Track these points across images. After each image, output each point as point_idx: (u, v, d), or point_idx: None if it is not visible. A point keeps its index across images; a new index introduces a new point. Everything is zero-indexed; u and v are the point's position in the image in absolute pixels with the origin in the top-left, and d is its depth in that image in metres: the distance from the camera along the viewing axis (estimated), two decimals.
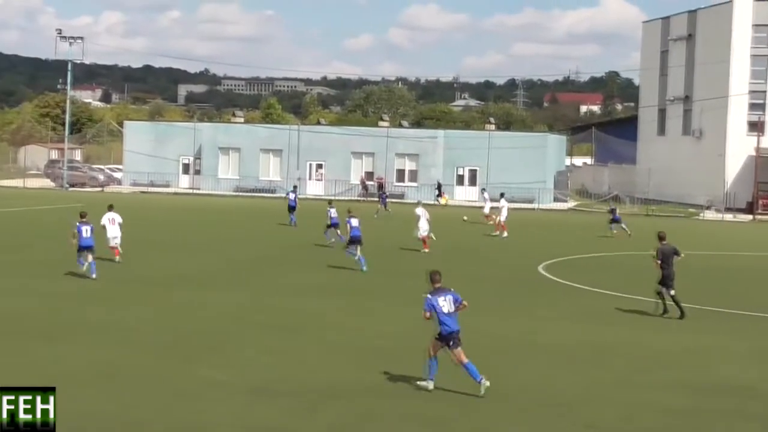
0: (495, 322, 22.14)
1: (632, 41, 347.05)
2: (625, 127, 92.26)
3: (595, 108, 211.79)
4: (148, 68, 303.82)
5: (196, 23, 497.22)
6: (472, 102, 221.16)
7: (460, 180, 75.59)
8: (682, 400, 15.91)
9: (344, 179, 75.29)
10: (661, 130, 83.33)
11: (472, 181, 74.83)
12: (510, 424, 14.24)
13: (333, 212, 38.39)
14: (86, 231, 26.63)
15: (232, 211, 57.93)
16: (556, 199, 75.18)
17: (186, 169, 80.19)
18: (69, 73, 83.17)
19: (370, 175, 75.46)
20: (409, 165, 76.19)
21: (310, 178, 76.46)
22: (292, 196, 48.50)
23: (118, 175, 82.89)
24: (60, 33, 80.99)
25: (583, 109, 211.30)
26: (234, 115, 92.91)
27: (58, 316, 21.19)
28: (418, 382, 15.65)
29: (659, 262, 23.54)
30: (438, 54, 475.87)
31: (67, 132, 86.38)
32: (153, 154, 79.29)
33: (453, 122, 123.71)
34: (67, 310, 21.95)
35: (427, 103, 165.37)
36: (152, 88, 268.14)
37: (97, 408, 14.10)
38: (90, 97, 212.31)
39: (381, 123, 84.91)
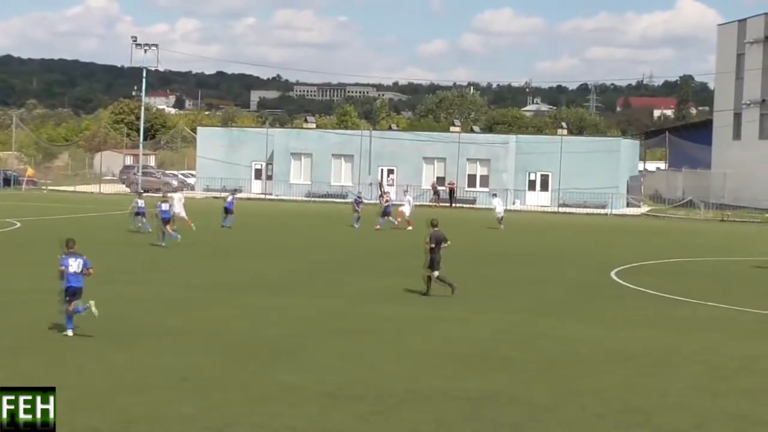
0: (569, 327, 21.94)
1: (707, 45, 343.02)
2: (700, 132, 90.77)
3: (669, 112, 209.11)
4: (220, 75, 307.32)
5: (270, 29, 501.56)
6: (544, 107, 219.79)
7: (531, 185, 75.08)
8: (760, 408, 15.56)
9: (415, 184, 75.25)
10: (737, 134, 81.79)
11: (544, 187, 74.30)
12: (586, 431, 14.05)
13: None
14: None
15: (304, 216, 58.20)
16: (629, 205, 74.30)
17: (258, 174, 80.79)
18: (143, 80, 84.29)
19: (441, 180, 75.30)
20: (480, 170, 75.88)
21: (381, 184, 76.50)
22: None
23: (191, 180, 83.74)
24: (135, 41, 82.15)
25: (657, 113, 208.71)
26: (306, 120, 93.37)
27: (138, 321, 21.35)
28: None
29: (432, 246, 25.45)
30: (510, 58, 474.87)
31: (141, 138, 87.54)
32: (225, 159, 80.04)
33: (524, 127, 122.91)
34: (147, 315, 22.12)
35: (499, 108, 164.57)
36: (225, 95, 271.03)
37: (176, 412, 14.19)
38: (164, 104, 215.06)
39: (452, 128, 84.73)
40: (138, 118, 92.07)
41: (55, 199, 69.02)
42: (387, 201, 50.24)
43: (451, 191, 72.77)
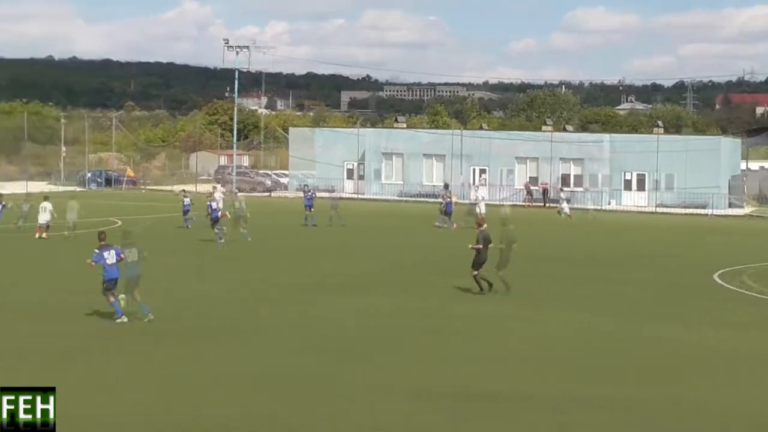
0: (677, 331, 21.41)
1: None
2: None
3: None
4: (311, 75, 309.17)
5: (359, 30, 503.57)
6: (638, 105, 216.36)
7: (627, 185, 73.84)
8: None
9: (508, 184, 74.62)
10: None
11: (640, 186, 73.02)
12: None
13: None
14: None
15: (393, 215, 58.06)
16: (731, 205, 72.48)
17: (350, 174, 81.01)
18: (236, 82, 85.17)
19: (534, 180, 74.55)
20: (574, 170, 74.91)
21: (474, 183, 76.03)
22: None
23: (284, 180, 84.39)
24: (227, 43, 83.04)
25: (760, 110, 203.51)
26: (396, 120, 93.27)
27: (230, 319, 21.44)
28: None
29: (479, 247, 25.51)
30: (602, 57, 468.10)
31: (234, 138, 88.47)
32: (318, 159, 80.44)
33: (618, 126, 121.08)
34: (238, 313, 22.22)
35: (592, 106, 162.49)
36: (315, 95, 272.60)
37: (267, 410, 14.25)
38: (256, 105, 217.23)
39: (544, 127, 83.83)
40: (231, 119, 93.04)
41: (152, 198, 70.09)
42: (449, 200, 49.61)
43: (545, 191, 72.01)
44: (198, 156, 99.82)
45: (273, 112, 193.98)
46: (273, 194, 77.66)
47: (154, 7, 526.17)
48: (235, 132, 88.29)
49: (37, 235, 38.15)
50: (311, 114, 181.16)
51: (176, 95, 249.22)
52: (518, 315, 22.93)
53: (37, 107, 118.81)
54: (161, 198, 71.40)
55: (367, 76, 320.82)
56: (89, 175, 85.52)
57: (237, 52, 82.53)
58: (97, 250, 20.07)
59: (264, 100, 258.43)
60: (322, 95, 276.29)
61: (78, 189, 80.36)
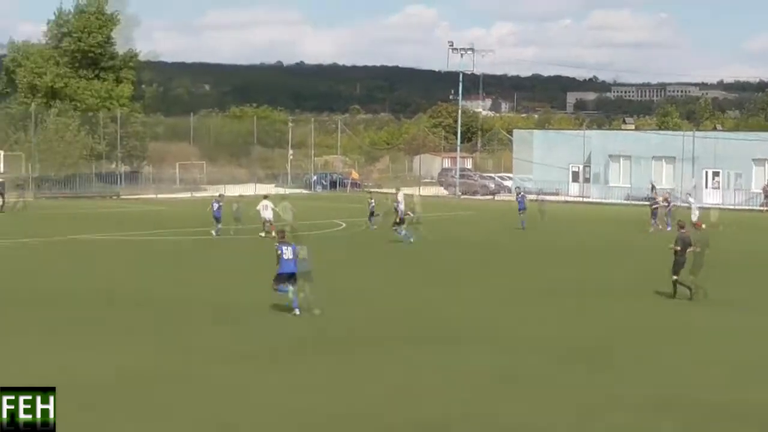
0: None
1: None
2: None
3: None
4: (536, 77, 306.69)
5: (586, 30, 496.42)
6: None
7: None
8: None
9: (741, 188, 71.02)
10: None
11: None
12: None
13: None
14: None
15: (620, 220, 56.14)
16: None
17: (575, 177, 79.37)
18: (460, 84, 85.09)
19: None
20: None
21: (706, 187, 72.83)
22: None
23: (507, 183, 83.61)
24: (452, 45, 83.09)
25: None
26: (624, 122, 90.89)
27: (463, 322, 20.99)
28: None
29: (678, 249, 24.65)
30: None
31: (458, 141, 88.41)
32: (542, 162, 79.23)
33: None
34: (470, 317, 21.76)
35: None
36: (540, 97, 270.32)
37: (505, 410, 14.01)
38: (480, 107, 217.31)
39: None
40: (455, 122, 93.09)
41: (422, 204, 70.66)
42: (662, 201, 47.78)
43: None
44: (421, 158, 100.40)
45: (497, 115, 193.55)
46: (496, 197, 76.96)
47: (380, 11, 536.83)
48: (459, 134, 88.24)
49: (263, 234, 38.85)
50: (536, 116, 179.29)
51: (401, 98, 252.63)
52: (746, 324, 21.36)
53: (266, 111, 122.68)
54: (383, 200, 71.99)
55: (594, 77, 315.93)
56: (315, 177, 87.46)
57: (461, 55, 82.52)
58: (277, 244, 21.33)
59: (488, 102, 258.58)
60: (546, 97, 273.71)
61: (304, 191, 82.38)
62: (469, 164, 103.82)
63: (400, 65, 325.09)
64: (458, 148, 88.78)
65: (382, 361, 16.99)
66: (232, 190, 66.64)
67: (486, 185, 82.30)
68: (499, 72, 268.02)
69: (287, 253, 20.93)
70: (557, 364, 17.02)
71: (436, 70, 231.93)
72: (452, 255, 35.58)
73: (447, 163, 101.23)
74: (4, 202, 52.32)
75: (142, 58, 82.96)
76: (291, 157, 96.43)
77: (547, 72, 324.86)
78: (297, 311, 20.75)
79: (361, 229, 44.91)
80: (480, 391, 15.07)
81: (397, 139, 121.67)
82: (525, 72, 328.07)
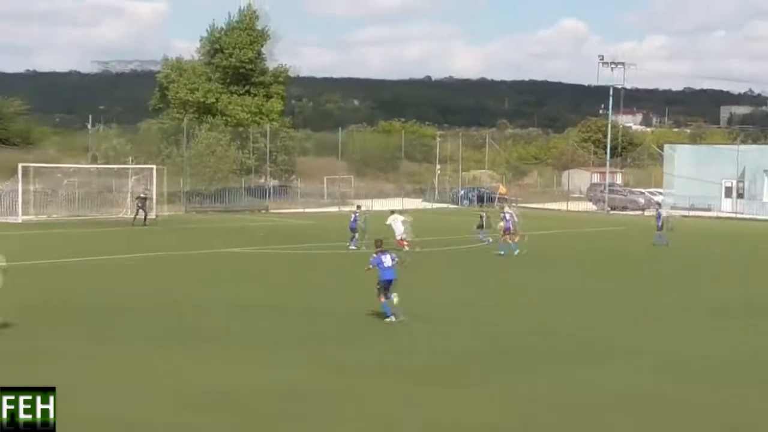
0: None
1: None
2: None
3: None
4: (688, 90, 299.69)
5: (742, 42, 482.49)
6: None
7: None
8: None
9: None
10: None
11: None
12: None
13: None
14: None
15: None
16: None
17: (728, 192, 76.94)
18: (610, 98, 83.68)
19: None
20: None
21: None
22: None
23: (657, 198, 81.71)
24: (602, 59, 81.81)
25: None
26: None
27: (607, 339, 20.44)
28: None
29: None
30: None
31: (608, 156, 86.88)
32: (694, 177, 77.08)
33: None
34: (613, 334, 21.15)
35: None
36: (692, 111, 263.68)
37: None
38: (630, 122, 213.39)
39: None
40: (605, 136, 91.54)
41: (524, 216, 69.92)
42: None
43: None
44: (570, 173, 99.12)
45: (648, 129, 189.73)
46: (646, 212, 75.18)
47: (532, 25, 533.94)
48: (608, 149, 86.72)
49: (407, 247, 38.82)
50: (687, 131, 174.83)
51: (549, 113, 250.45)
52: None
53: (414, 126, 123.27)
54: (531, 216, 71.25)
55: (749, 90, 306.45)
56: (462, 192, 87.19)
57: (612, 68, 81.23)
58: (374, 255, 22.06)
59: (638, 116, 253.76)
60: (699, 111, 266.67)
61: (451, 206, 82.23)
62: (618, 179, 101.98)
63: (549, 79, 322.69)
64: (607, 163, 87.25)
65: (532, 378, 16.56)
66: (380, 205, 67.14)
67: (635, 200, 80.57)
68: (650, 86, 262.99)
69: (387, 261, 21.85)
70: (721, 388, 16.26)
71: (586, 84, 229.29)
72: (600, 270, 34.80)
73: (596, 178, 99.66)
74: (146, 215, 53.74)
75: (291, 73, 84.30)
76: (438, 171, 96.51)
77: (700, 85, 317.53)
78: (392, 318, 21.47)
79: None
80: (632, 412, 14.52)
81: (545, 153, 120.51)
82: (677, 86, 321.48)
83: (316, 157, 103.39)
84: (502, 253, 38.50)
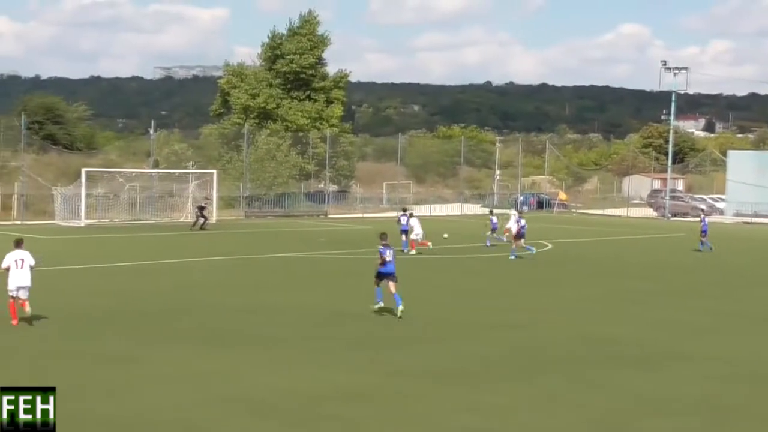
0: None
1: None
2: None
3: None
4: (753, 96, 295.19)
5: None
6: None
7: None
8: None
9: None
10: None
11: None
12: None
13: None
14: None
15: None
16: None
17: None
18: (672, 104, 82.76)
19: None
20: None
21: None
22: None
23: (720, 205, 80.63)
24: (665, 64, 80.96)
25: None
26: None
27: (661, 345, 20.19)
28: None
29: None
30: None
31: (669, 162, 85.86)
32: (757, 183, 75.82)
33: None
34: (670, 340, 20.88)
35: None
36: (757, 116, 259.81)
37: None
38: (693, 127, 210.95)
39: None
40: (666, 142, 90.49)
41: (583, 222, 69.59)
42: None
43: None
44: (630, 179, 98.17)
45: (711, 135, 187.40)
46: (707, 219, 74.10)
47: (592, 30, 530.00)
48: (670, 155, 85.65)
49: (413, 251, 39.71)
50: (751, 136, 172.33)
51: (611, 118, 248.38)
52: None
53: (474, 131, 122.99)
54: (592, 222, 70.70)
55: None
56: (521, 198, 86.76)
57: (674, 74, 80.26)
58: (381, 247, 23.49)
59: (701, 122, 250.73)
60: (764, 116, 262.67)
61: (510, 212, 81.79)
62: (680, 185, 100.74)
63: (610, 85, 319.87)
64: (669, 169, 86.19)
65: (580, 386, 16.40)
66: (439, 210, 67.01)
67: (697, 207, 79.43)
68: (714, 91, 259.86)
69: (388, 255, 23.33)
70: (754, 393, 16.07)
71: (648, 89, 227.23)
72: (658, 276, 34.39)
73: (657, 185, 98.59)
74: (205, 221, 54.19)
75: (352, 79, 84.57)
76: (498, 177, 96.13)
77: (765, 90, 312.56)
78: (381, 304, 23.20)
79: (546, 249, 44.10)
80: (676, 421, 14.33)
81: (606, 159, 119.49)
82: (741, 91, 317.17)
83: (375, 163, 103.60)
84: (513, 257, 38.91)
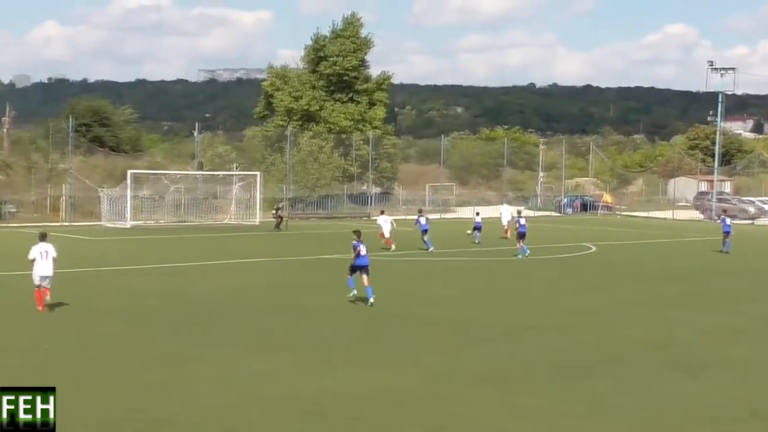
0: None
1: None
2: None
3: None
4: None
5: None
6: None
7: None
8: None
9: None
10: None
11: None
12: None
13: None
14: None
15: None
16: None
17: None
18: (719, 105, 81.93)
19: None
20: None
21: None
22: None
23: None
24: (712, 65, 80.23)
25: None
26: None
27: (704, 351, 19.97)
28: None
29: None
30: None
31: (716, 164, 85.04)
32: None
33: None
34: (712, 345, 20.66)
35: None
36: None
37: None
38: (740, 128, 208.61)
39: None
40: (713, 144, 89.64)
41: (627, 224, 69.10)
42: None
43: None
44: (676, 181, 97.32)
45: (760, 136, 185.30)
46: (756, 222, 73.41)
47: (638, 31, 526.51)
48: (717, 157, 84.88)
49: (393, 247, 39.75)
50: None
51: (656, 120, 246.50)
52: None
53: (518, 133, 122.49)
54: (637, 224, 70.18)
55: None
56: (565, 200, 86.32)
57: (722, 74, 79.54)
58: (355, 242, 25.27)
59: (749, 123, 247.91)
60: None
61: (554, 214, 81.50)
62: (727, 188, 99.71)
63: (656, 86, 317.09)
64: (716, 171, 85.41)
65: (629, 390, 16.26)
66: (483, 213, 66.78)
67: (745, 209, 78.59)
68: (762, 92, 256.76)
69: (362, 249, 25.16)
70: None
71: (694, 90, 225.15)
72: (704, 280, 34.06)
73: (704, 187, 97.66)
74: (281, 220, 55.18)
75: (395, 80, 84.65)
76: (541, 179, 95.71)
77: None
78: (355, 293, 25.08)
79: (589, 252, 43.82)
80: (725, 429, 14.17)
81: (651, 161, 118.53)
82: None
83: (418, 165, 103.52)
84: (521, 257, 39.77)
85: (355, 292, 24.98)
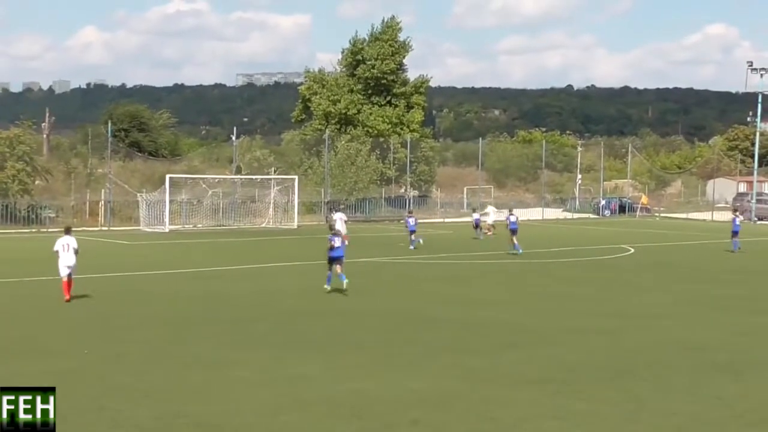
0: None
1: None
2: None
3: None
4: None
5: None
6: None
7: None
8: None
9: None
10: None
11: None
12: None
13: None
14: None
15: None
16: None
17: None
18: (759, 105, 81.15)
19: None
20: None
21: None
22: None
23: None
24: (751, 65, 79.49)
25: None
26: None
27: (751, 352, 19.76)
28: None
29: None
30: None
31: (755, 165, 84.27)
32: None
33: None
34: (759, 346, 20.45)
35: None
36: None
37: None
38: None
39: None
40: (752, 145, 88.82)
41: (666, 226, 68.60)
42: None
43: None
44: (715, 183, 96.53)
45: None
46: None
47: (677, 32, 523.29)
48: (756, 158, 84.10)
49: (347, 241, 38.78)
50: None
51: (695, 121, 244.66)
52: None
53: (555, 135, 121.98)
54: (676, 226, 69.68)
55: None
56: (603, 202, 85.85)
57: (761, 75, 78.76)
58: (330, 235, 28.13)
59: None
60: None
61: (591, 216, 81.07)
62: (766, 188, 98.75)
63: (695, 87, 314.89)
64: (755, 172, 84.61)
65: (662, 389, 16.12)
66: (521, 215, 66.44)
67: None
68: None
69: (337, 242, 27.74)
70: None
71: (733, 91, 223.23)
72: (743, 281, 33.73)
73: (743, 188, 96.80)
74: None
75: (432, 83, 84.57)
76: (579, 181, 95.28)
77: None
78: (327, 287, 27.67)
79: (628, 254, 43.51)
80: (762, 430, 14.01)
81: (689, 163, 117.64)
82: None
83: (456, 167, 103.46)
84: (519, 252, 41.76)
85: (328, 287, 27.64)
